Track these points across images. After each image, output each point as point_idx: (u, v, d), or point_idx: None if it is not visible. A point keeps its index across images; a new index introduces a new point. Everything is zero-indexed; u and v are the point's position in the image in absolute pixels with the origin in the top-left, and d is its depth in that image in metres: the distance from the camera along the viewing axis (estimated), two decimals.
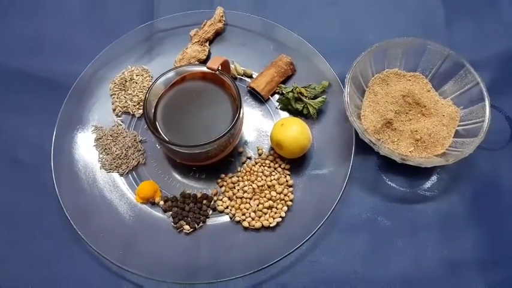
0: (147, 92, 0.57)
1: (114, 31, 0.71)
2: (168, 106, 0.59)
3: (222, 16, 0.71)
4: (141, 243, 0.57)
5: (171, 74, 0.59)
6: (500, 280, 0.55)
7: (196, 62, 0.68)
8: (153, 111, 0.58)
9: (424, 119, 0.59)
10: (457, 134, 0.59)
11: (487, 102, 0.57)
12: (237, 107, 0.56)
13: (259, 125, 0.65)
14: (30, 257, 0.58)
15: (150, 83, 0.68)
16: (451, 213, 0.58)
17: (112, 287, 0.56)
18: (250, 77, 0.69)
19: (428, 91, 0.62)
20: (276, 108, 0.66)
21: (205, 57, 0.69)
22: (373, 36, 0.70)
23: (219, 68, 0.58)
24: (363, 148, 0.59)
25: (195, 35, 0.70)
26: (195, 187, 0.61)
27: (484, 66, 0.65)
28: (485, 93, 0.58)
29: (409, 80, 0.63)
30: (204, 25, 0.70)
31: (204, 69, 0.59)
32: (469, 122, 0.59)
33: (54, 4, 0.76)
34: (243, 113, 0.58)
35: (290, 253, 0.54)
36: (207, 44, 0.70)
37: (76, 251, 0.58)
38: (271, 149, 0.62)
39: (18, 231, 0.60)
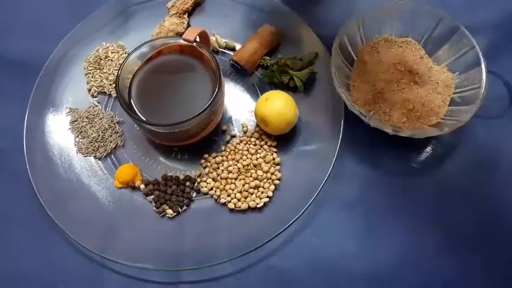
0: (119, 69, 0.53)
1: (86, 6, 0.67)
2: (143, 83, 0.55)
3: None
4: (122, 230, 0.54)
5: (145, 49, 0.55)
6: (500, 255, 0.52)
7: (174, 35, 0.64)
8: (127, 89, 0.54)
9: (417, 87, 0.56)
10: (452, 102, 0.56)
11: (483, 67, 0.54)
12: (216, 81, 0.53)
13: (243, 101, 0.62)
14: (4, 247, 0.55)
15: None
16: (448, 187, 0.55)
17: (93, 276, 0.53)
18: (233, 49, 0.65)
19: (421, 57, 0.58)
20: (261, 80, 0.62)
21: (184, 30, 0.64)
22: (362, 1, 0.66)
23: (197, 40, 0.54)
24: (353, 121, 0.55)
25: (172, 6, 0.65)
26: (178, 169, 0.58)
27: (479, 29, 0.60)
28: (481, 58, 0.54)
29: (401, 46, 0.59)
30: None
31: (180, 41, 0.55)
32: (465, 88, 0.55)
33: None
34: (223, 88, 0.54)
35: (278, 234, 0.51)
36: (185, 16, 0.66)
37: (53, 240, 0.55)
38: (257, 125, 0.59)
39: None
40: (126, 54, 0.64)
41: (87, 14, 0.66)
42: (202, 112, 0.50)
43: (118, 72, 0.52)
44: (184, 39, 0.54)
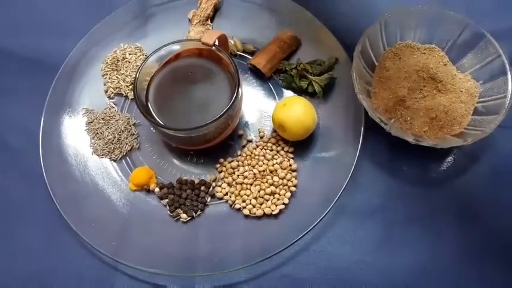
0: (137, 71, 0.52)
1: (105, 7, 0.67)
2: (161, 86, 0.54)
3: None
4: (136, 233, 0.54)
5: (163, 51, 0.54)
6: None
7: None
8: (145, 92, 0.54)
9: (440, 95, 0.54)
10: (476, 112, 0.54)
11: (509, 76, 0.52)
12: (235, 86, 0.52)
13: (260, 105, 0.61)
14: (18, 247, 0.55)
15: None
16: (469, 197, 0.54)
17: (105, 280, 0.53)
18: (252, 53, 0.64)
19: (445, 65, 0.56)
20: (279, 86, 0.61)
21: None
22: (383, 5, 0.65)
23: (216, 44, 0.54)
24: (373, 128, 0.54)
25: (193, 16, 0.65)
26: (193, 172, 0.58)
27: (505, 37, 0.59)
28: (507, 66, 0.53)
29: (424, 53, 0.57)
30: (201, 3, 0.65)
31: (199, 45, 0.54)
32: (490, 98, 0.54)
33: None
34: (241, 92, 0.54)
35: (294, 243, 0.50)
36: (209, 22, 0.65)
37: (66, 242, 0.54)
38: (274, 131, 0.58)
39: (5, 219, 0.56)
40: (144, 56, 0.64)
41: (105, 15, 0.66)
42: (220, 117, 0.49)
43: (136, 75, 0.52)
44: (203, 43, 0.53)
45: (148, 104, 0.53)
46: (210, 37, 0.53)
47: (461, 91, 0.54)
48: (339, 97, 0.59)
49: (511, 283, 0.50)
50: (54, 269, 0.53)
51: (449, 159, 0.56)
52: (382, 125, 0.51)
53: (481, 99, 0.54)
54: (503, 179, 0.55)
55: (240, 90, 0.52)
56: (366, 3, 0.66)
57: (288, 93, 0.61)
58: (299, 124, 0.53)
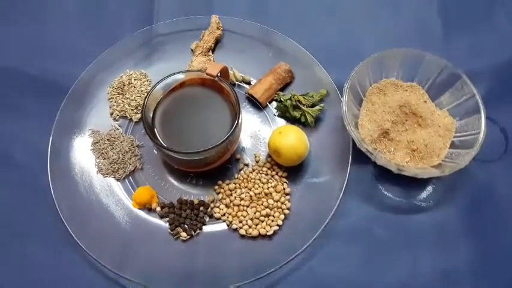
0: (146, 97, 0.57)
1: (113, 34, 0.71)
2: (166, 112, 0.59)
3: (219, 23, 0.71)
4: (138, 249, 0.57)
5: (170, 80, 0.59)
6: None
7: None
8: (151, 116, 0.58)
9: (420, 129, 0.60)
10: (452, 145, 0.60)
11: (482, 115, 0.58)
12: (235, 114, 0.57)
13: (256, 132, 0.66)
14: (24, 261, 0.58)
15: (148, 88, 0.68)
16: (446, 224, 0.59)
17: None
18: (249, 83, 0.69)
19: (425, 102, 0.62)
20: (274, 115, 0.66)
21: None
22: (370, 46, 0.70)
23: (218, 75, 0.58)
24: (359, 157, 0.59)
25: (196, 47, 0.70)
26: (192, 193, 0.61)
27: (480, 77, 0.65)
28: (481, 106, 0.58)
29: (406, 90, 0.63)
30: (203, 35, 0.70)
31: (203, 75, 0.59)
32: (465, 133, 0.60)
33: (54, 6, 0.76)
34: (241, 120, 0.58)
35: (287, 262, 0.54)
36: (210, 53, 0.70)
37: (71, 256, 0.57)
38: (269, 156, 0.63)
39: (12, 234, 0.59)
40: (148, 82, 0.69)
41: (113, 42, 0.70)
42: (221, 143, 0.54)
43: (145, 100, 0.56)
44: (207, 74, 0.58)
45: (155, 128, 0.57)
46: (214, 69, 0.58)
47: (439, 126, 0.60)
48: (328, 127, 0.64)
49: None
50: (60, 282, 0.56)
51: (429, 188, 0.61)
52: (369, 155, 0.56)
53: (457, 134, 0.60)
54: (477, 207, 0.60)
55: (240, 118, 0.56)
56: (355, 42, 0.72)
57: (281, 122, 0.66)
58: (293, 151, 0.58)
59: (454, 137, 0.60)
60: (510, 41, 0.72)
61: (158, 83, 0.58)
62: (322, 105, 0.64)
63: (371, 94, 0.63)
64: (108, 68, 0.69)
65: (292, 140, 0.58)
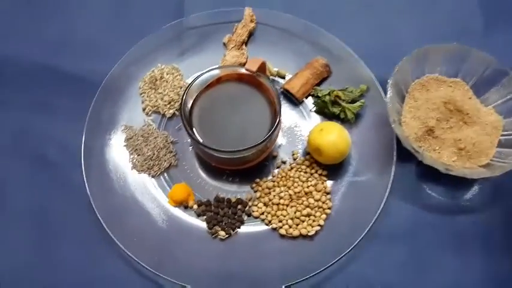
0: (184, 93, 0.55)
1: (143, 29, 0.69)
2: (203, 108, 0.57)
3: (253, 16, 0.69)
4: (175, 248, 0.56)
5: (206, 76, 0.57)
6: None
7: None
8: (189, 113, 0.57)
9: (466, 127, 0.58)
10: (500, 144, 0.58)
11: None
12: (275, 111, 0.55)
13: (293, 128, 0.64)
14: (60, 260, 0.57)
15: (181, 82, 0.66)
16: (494, 226, 0.57)
17: None
18: (283, 77, 0.67)
19: (470, 98, 0.60)
20: (310, 111, 0.64)
21: (245, 60, 0.67)
22: (408, 41, 0.68)
23: (257, 70, 0.57)
24: (402, 156, 0.57)
25: (229, 41, 0.68)
26: (228, 191, 0.60)
27: None
28: None
29: (450, 86, 0.61)
30: (236, 28, 0.68)
31: (240, 70, 0.57)
32: None
33: (82, 2, 0.74)
34: (281, 119, 0.56)
35: (331, 265, 0.53)
36: (243, 47, 0.68)
37: (107, 254, 0.57)
38: (307, 153, 0.61)
39: (48, 233, 0.58)
40: (181, 76, 0.67)
41: (142, 36, 0.68)
42: (262, 142, 0.52)
43: (183, 97, 0.55)
44: (247, 70, 0.56)
45: (192, 124, 0.56)
46: (253, 64, 0.56)
47: (486, 124, 0.58)
48: (368, 124, 0.62)
49: None
50: (96, 281, 0.55)
51: (475, 188, 0.59)
52: (414, 153, 0.54)
53: (504, 133, 0.58)
54: None
55: (280, 117, 0.54)
56: (393, 36, 0.70)
57: (318, 118, 0.64)
58: (335, 149, 0.56)
59: (501, 136, 0.58)
60: None
61: (196, 79, 0.56)
62: (362, 100, 0.62)
63: (413, 90, 0.61)
64: (139, 62, 0.67)
65: (334, 137, 0.56)
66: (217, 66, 0.57)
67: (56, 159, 0.62)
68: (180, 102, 0.55)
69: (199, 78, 0.57)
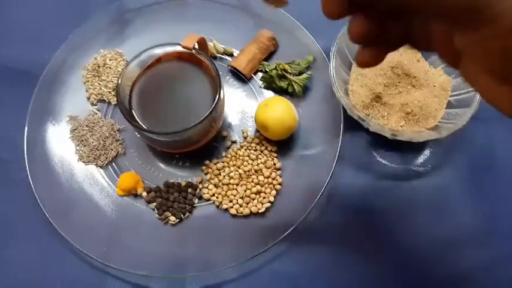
0: (119, 77, 0.53)
1: (82, 13, 0.67)
2: (143, 91, 0.55)
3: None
4: (125, 237, 0.55)
5: (144, 56, 0.55)
6: (499, 253, 0.53)
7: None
8: (128, 97, 0.55)
9: (414, 90, 0.57)
10: (449, 105, 0.56)
11: None
12: (216, 88, 0.53)
13: (243, 106, 0.62)
14: (8, 257, 0.55)
15: None
16: (445, 188, 0.56)
17: (97, 284, 0.53)
18: (231, 55, 0.65)
19: (418, 61, 0.59)
20: (260, 87, 0.63)
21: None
22: None
23: (195, 47, 0.55)
24: (352, 125, 0.56)
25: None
26: (179, 175, 0.59)
27: None
28: None
29: (398, 50, 0.59)
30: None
31: (179, 49, 0.55)
32: (462, 91, 0.56)
33: None
34: (223, 95, 0.55)
35: (281, 239, 0.52)
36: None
37: (56, 249, 0.55)
38: (257, 131, 0.60)
39: None
40: (125, 62, 0.65)
41: (82, 22, 0.65)
42: (203, 120, 0.50)
43: (118, 81, 0.53)
44: (183, 47, 0.54)
45: (132, 109, 0.54)
46: (190, 40, 0.54)
47: (435, 86, 0.57)
48: (317, 96, 0.61)
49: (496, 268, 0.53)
50: (46, 276, 0.54)
51: (426, 152, 0.58)
52: (361, 121, 0.53)
53: (453, 93, 0.57)
54: (477, 168, 0.58)
55: (221, 92, 0.53)
56: None
57: (268, 94, 0.62)
58: (281, 124, 0.55)
59: (450, 96, 0.57)
60: None
61: (132, 60, 0.54)
62: (309, 72, 0.60)
63: None
64: (80, 49, 0.65)
65: (280, 111, 0.55)
66: (153, 45, 0.54)
67: None
68: (116, 85, 0.53)
69: (136, 59, 0.55)
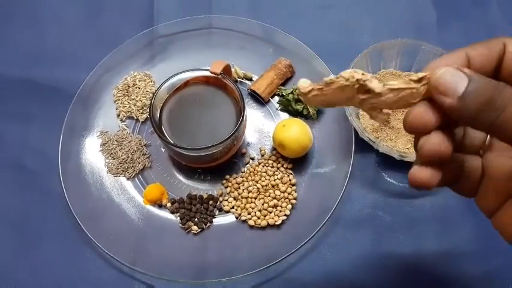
0: (152, 97, 0.58)
1: (115, 38, 0.72)
2: (172, 110, 0.60)
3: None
4: (151, 244, 0.59)
5: (174, 79, 0.61)
6: (496, 268, 0.57)
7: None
8: (158, 115, 0.60)
9: None
10: None
11: None
12: (240, 110, 0.58)
13: (260, 126, 0.67)
14: (41, 263, 0.59)
15: (153, 88, 0.70)
16: (448, 206, 0.61)
17: None
18: (250, 79, 0.71)
19: None
20: (277, 109, 0.68)
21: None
22: (367, 38, 0.73)
23: (222, 72, 0.60)
24: (362, 146, 0.61)
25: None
26: (201, 188, 0.63)
27: None
28: None
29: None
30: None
31: (206, 73, 0.61)
32: None
33: (55, 12, 0.77)
34: (246, 116, 0.60)
35: (296, 250, 0.56)
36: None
37: (87, 255, 0.59)
38: (274, 149, 0.64)
39: (27, 238, 0.61)
40: (153, 83, 0.70)
41: (114, 45, 0.71)
42: (228, 138, 0.56)
43: (152, 100, 0.58)
44: (211, 72, 0.59)
45: (162, 126, 0.59)
46: (218, 66, 0.60)
47: None
48: (330, 118, 0.66)
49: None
50: (76, 280, 0.58)
51: None
52: (371, 143, 0.58)
53: None
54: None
55: (245, 114, 0.58)
56: (352, 35, 0.74)
57: (284, 116, 0.68)
58: (297, 143, 0.60)
59: None
60: (500, 28, 0.74)
61: (163, 83, 0.60)
62: None
63: None
64: (112, 70, 0.70)
65: (296, 132, 0.60)
66: (182, 70, 0.60)
67: (34, 167, 0.65)
68: (149, 106, 0.59)
69: (167, 82, 0.60)
